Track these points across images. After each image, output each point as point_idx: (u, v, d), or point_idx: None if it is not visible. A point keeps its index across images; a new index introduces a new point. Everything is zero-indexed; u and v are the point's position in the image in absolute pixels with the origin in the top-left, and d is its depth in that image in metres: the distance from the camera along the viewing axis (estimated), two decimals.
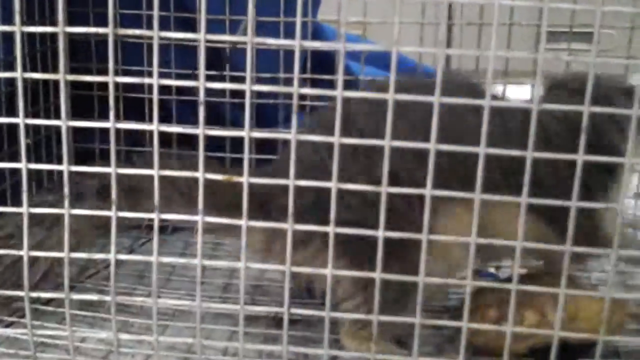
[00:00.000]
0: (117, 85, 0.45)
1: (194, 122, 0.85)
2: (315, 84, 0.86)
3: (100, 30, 0.45)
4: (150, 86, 0.44)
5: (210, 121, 0.85)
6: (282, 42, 0.46)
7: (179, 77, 0.84)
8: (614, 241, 0.44)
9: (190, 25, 0.81)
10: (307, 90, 0.47)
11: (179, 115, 0.85)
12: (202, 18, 0.44)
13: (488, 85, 0.44)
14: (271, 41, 0.46)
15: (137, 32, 0.46)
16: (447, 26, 0.81)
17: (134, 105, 0.82)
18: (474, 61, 0.77)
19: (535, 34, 0.81)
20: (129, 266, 0.76)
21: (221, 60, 0.83)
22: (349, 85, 0.83)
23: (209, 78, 0.45)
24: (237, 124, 0.83)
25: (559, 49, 0.87)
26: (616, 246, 0.44)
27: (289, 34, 0.82)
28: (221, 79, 0.84)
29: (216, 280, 0.75)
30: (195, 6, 0.81)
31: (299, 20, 0.46)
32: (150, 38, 0.43)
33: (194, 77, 0.85)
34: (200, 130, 0.47)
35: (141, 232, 0.85)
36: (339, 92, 0.45)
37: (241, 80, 0.42)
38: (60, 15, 0.45)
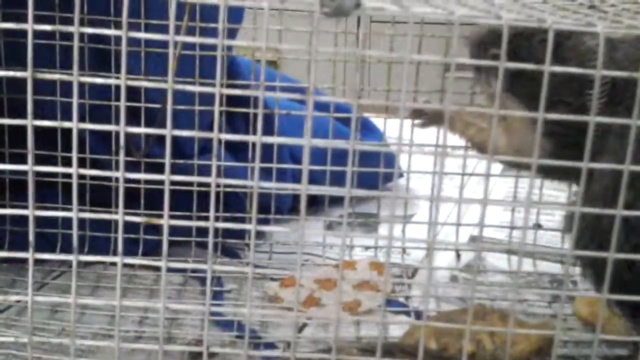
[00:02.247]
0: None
1: (106, 152, 0.86)
2: (230, 115, 0.87)
3: (19, 74, 0.46)
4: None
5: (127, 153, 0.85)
6: (202, 89, 0.47)
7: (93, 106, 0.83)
8: None
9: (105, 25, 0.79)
10: (226, 136, 0.48)
11: (92, 146, 0.85)
12: (123, 65, 0.45)
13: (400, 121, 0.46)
14: (191, 88, 0.47)
15: (57, 76, 0.47)
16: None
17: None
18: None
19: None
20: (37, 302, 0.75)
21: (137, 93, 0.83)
22: (265, 118, 0.85)
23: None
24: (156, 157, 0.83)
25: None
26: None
27: (204, 67, 0.83)
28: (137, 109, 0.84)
29: (131, 314, 0.75)
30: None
31: (219, 66, 0.47)
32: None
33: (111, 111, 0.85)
34: (120, 174, 0.47)
35: (52, 264, 0.84)
36: (258, 138, 0.47)
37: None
38: None
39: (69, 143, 0.46)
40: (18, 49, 0.47)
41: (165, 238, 0.47)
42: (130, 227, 0.80)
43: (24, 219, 0.47)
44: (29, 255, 0.48)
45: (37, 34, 0.42)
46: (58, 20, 0.77)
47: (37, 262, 0.80)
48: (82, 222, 0.82)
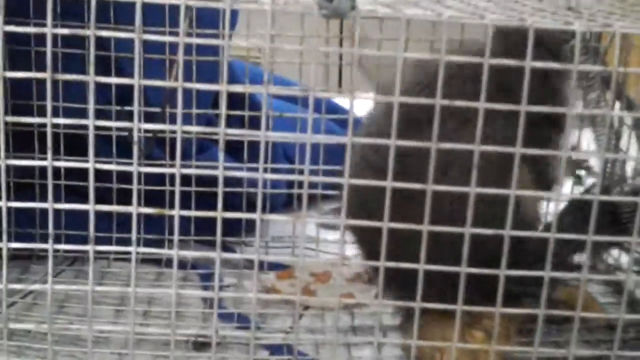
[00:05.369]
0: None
1: (109, 154, 0.89)
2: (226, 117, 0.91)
3: (39, 75, 0.49)
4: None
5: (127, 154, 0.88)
6: (208, 86, 0.51)
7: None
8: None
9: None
10: (232, 131, 0.52)
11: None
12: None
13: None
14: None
15: (74, 76, 0.50)
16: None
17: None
18: None
19: None
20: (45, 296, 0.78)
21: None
22: (257, 119, 0.88)
23: None
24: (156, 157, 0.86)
25: None
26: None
27: (201, 71, 0.86)
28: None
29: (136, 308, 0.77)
30: None
31: (225, 64, 0.51)
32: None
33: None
34: (134, 168, 0.50)
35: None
36: (262, 133, 0.51)
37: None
38: (0, 61, 0.48)
39: None
40: None
41: (176, 227, 0.51)
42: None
43: None
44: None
45: None
46: None
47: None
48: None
